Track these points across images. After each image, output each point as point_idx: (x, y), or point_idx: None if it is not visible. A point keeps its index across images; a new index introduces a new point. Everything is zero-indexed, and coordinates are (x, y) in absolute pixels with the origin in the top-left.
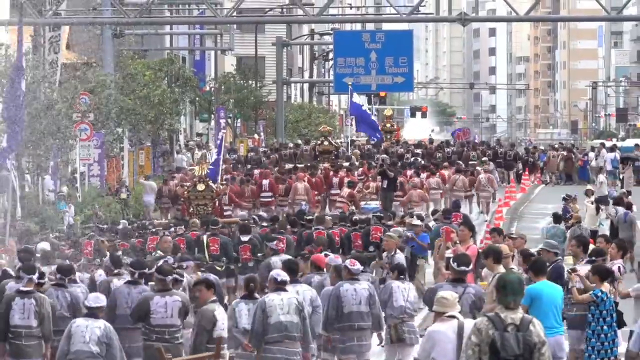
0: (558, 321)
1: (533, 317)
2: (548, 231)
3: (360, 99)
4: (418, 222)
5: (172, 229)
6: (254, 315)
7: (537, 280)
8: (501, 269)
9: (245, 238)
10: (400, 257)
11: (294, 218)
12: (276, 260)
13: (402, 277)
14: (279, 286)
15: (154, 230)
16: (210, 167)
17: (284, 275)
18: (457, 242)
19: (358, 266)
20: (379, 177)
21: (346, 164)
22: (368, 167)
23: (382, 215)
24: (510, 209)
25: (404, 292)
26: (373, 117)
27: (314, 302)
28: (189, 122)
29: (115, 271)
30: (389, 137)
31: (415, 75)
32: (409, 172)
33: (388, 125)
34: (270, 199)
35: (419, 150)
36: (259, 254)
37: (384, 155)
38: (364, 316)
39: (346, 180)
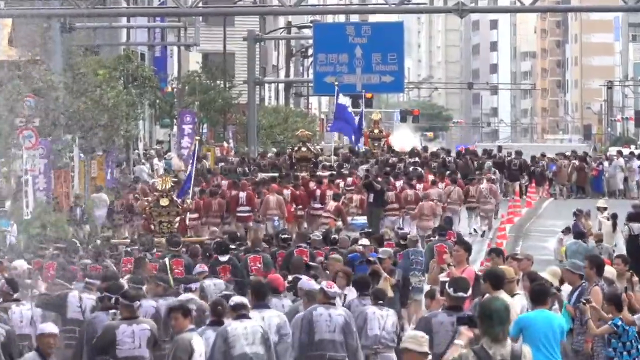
0: (554, 355)
1: (524, 347)
2: (569, 248)
3: (346, 100)
4: (367, 243)
5: (131, 249)
6: (213, 345)
7: (536, 309)
8: (502, 295)
9: (223, 258)
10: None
11: (268, 237)
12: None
13: (380, 302)
14: (239, 312)
15: (128, 250)
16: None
17: (241, 300)
18: (451, 263)
19: (335, 289)
20: (364, 190)
21: (326, 173)
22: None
23: (371, 232)
24: (515, 226)
25: (380, 319)
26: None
27: (281, 330)
28: (148, 128)
29: (14, 296)
30: (376, 144)
31: (406, 74)
32: (397, 183)
33: (376, 131)
34: (247, 214)
35: (415, 159)
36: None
37: (366, 166)
38: (338, 346)
39: (328, 192)
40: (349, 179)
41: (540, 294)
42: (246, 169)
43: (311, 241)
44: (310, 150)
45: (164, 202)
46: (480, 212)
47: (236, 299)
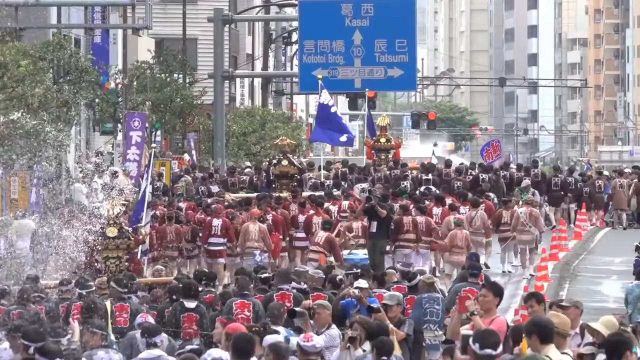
0: None
1: None
2: (631, 292)
3: (328, 98)
4: (365, 285)
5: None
6: None
7: None
8: (552, 352)
9: (190, 304)
10: (333, 333)
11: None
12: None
13: (384, 358)
14: None
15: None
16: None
17: (219, 355)
18: (476, 312)
19: (314, 342)
20: (363, 216)
21: (317, 193)
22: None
23: (363, 272)
24: (559, 264)
25: None
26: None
27: None
28: (84, 135)
29: None
30: (383, 157)
31: (419, 67)
32: (409, 205)
33: (382, 140)
34: (220, 247)
35: (429, 176)
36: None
37: (364, 184)
38: None
39: (316, 219)
40: (345, 202)
41: (619, 345)
42: (209, 187)
43: (308, 279)
44: (293, 165)
45: (112, 232)
46: (518, 244)
47: (210, 354)
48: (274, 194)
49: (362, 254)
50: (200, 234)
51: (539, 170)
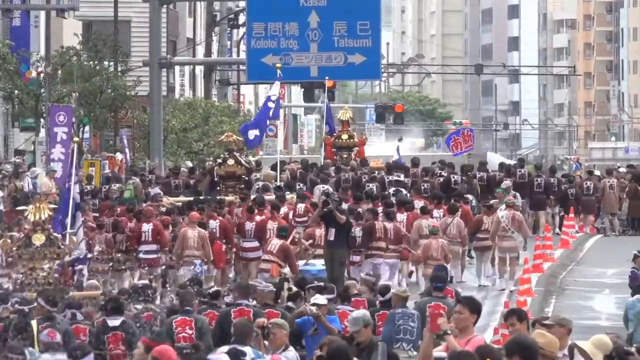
0: None
1: None
2: (632, 307)
3: (276, 90)
4: (323, 302)
5: None
6: None
7: None
8: None
9: (114, 322)
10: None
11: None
12: None
13: None
14: None
15: None
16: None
17: None
18: (450, 331)
19: None
20: (321, 222)
21: (268, 197)
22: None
23: (323, 286)
24: (544, 276)
25: None
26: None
27: None
28: (2, 131)
29: None
30: (345, 155)
31: (384, 53)
32: (378, 210)
33: (344, 136)
34: (153, 256)
35: (399, 176)
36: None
37: (325, 186)
38: None
39: (272, 224)
40: (301, 205)
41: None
42: (147, 190)
43: (257, 294)
44: (240, 164)
45: (38, 239)
46: (498, 252)
47: None
48: (218, 197)
49: (320, 264)
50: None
51: (525, 170)
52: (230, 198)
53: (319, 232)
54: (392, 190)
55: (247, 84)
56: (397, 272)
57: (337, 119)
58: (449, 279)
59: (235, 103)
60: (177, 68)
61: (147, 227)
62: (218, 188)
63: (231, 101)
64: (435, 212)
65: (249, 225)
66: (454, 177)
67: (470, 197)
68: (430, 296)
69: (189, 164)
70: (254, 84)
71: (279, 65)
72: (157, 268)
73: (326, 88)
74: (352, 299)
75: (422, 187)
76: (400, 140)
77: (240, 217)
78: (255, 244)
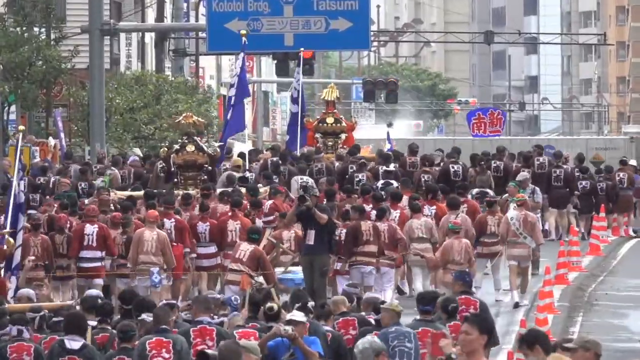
0: None
1: None
2: None
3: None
4: (300, 319)
5: None
6: None
7: None
8: None
9: (74, 344)
10: None
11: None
12: None
13: None
14: None
15: None
16: None
17: None
18: (454, 355)
19: None
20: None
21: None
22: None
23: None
24: (569, 290)
25: None
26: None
27: None
28: None
29: None
30: (331, 143)
31: (374, 17)
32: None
33: (330, 120)
34: (97, 264)
35: (390, 167)
36: None
37: (304, 178)
38: None
39: (232, 224)
40: (269, 203)
41: None
42: (91, 182)
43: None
44: (202, 151)
45: None
46: (508, 259)
47: None
48: (175, 191)
49: (299, 273)
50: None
51: (545, 159)
52: (190, 192)
53: (287, 234)
54: (380, 183)
55: (207, 55)
56: (391, 283)
57: (320, 98)
58: (472, 287)
59: (193, 78)
60: (122, 36)
61: (91, 230)
62: (175, 180)
63: (188, 75)
64: (427, 209)
65: (203, 227)
66: (453, 167)
67: (490, 192)
68: (418, 320)
69: (137, 151)
70: (216, 55)
71: (244, 32)
72: (99, 279)
73: (301, 60)
74: (340, 319)
75: (422, 179)
76: (390, 125)
77: (192, 217)
78: (212, 249)
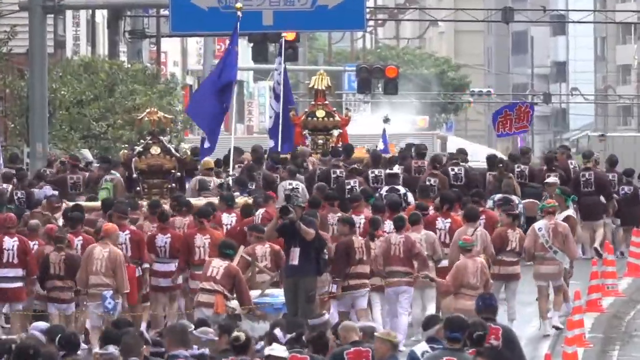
0: None
1: None
2: None
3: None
4: (282, 354)
5: None
6: None
7: None
8: None
9: None
10: None
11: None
12: None
13: None
14: None
15: None
16: None
17: None
18: None
19: None
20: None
21: (212, 200)
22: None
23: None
24: (603, 318)
25: None
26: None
27: None
28: None
29: None
30: (321, 141)
31: None
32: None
33: (320, 114)
34: (16, 284)
35: (395, 169)
36: None
37: (293, 183)
38: None
39: (201, 239)
40: (260, 212)
41: None
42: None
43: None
44: (169, 154)
45: None
46: (535, 279)
47: None
48: (139, 202)
49: (279, 296)
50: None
51: (576, 163)
52: (158, 201)
53: (261, 249)
54: (384, 189)
55: (170, 37)
56: (408, 308)
57: (307, 87)
58: (496, 312)
59: (154, 65)
60: (68, 14)
61: (9, 244)
62: (138, 188)
63: (147, 62)
64: (440, 222)
65: (161, 240)
66: (454, 170)
67: (515, 199)
68: (443, 349)
69: (86, 152)
70: (181, 37)
71: (239, 5)
72: (18, 303)
73: (283, 43)
74: (351, 349)
75: (429, 184)
76: (386, 121)
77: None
78: (171, 266)
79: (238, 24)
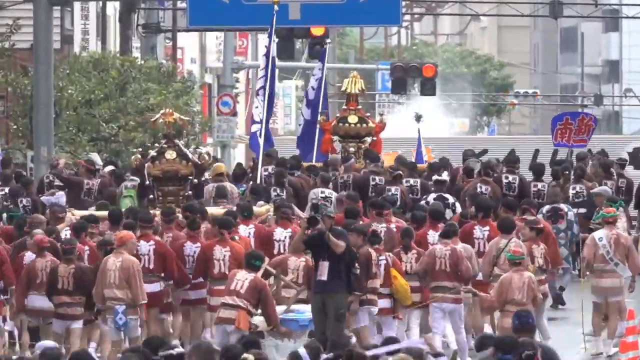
0: None
1: None
2: None
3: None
4: None
5: None
6: None
7: None
8: None
9: None
10: None
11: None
12: None
13: None
14: None
15: None
16: None
17: None
18: None
19: None
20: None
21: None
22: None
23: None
24: None
25: None
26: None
27: None
28: None
29: None
30: (352, 148)
31: None
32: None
33: (353, 118)
34: None
35: (444, 175)
36: None
37: (325, 192)
38: None
39: (219, 251)
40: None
41: None
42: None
43: None
44: (186, 159)
45: None
46: (594, 293)
47: None
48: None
49: (306, 312)
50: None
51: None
52: (174, 210)
53: (295, 263)
54: (431, 197)
55: (187, 32)
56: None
57: (339, 90)
58: (534, 331)
59: (169, 61)
60: (77, 6)
61: None
62: (151, 196)
63: (162, 58)
64: (478, 231)
65: (191, 249)
66: (507, 178)
67: (565, 207)
68: None
69: (95, 156)
70: (199, 32)
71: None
72: None
73: (311, 39)
74: None
75: (480, 191)
76: (418, 119)
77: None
78: (200, 278)
79: (274, 19)
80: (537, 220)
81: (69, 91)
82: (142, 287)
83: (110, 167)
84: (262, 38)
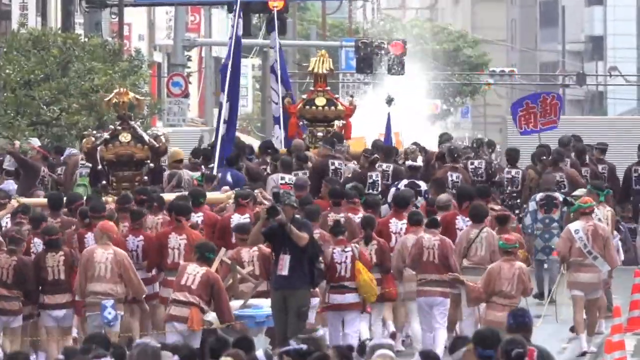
0: None
1: None
2: None
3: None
4: None
5: None
6: None
7: None
8: None
9: None
10: None
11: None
12: None
13: None
14: None
15: None
16: None
17: None
18: None
19: None
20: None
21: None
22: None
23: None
24: None
25: None
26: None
27: None
28: None
29: None
30: (321, 133)
31: None
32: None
33: (320, 101)
34: None
35: (419, 161)
36: None
37: (286, 178)
38: None
39: (177, 240)
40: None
41: None
42: None
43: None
44: (141, 141)
45: None
46: (570, 288)
47: None
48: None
49: (264, 307)
50: None
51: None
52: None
53: (248, 254)
54: (402, 184)
55: (135, 6)
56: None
57: (305, 69)
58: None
59: (115, 39)
60: None
61: None
62: (104, 182)
63: (108, 36)
64: (460, 221)
65: (132, 243)
66: (473, 164)
67: (558, 195)
68: None
69: (35, 142)
70: (147, 6)
71: None
72: None
73: (273, 14)
74: None
75: (450, 179)
76: (390, 102)
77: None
78: (147, 274)
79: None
80: (504, 209)
81: (7, 71)
82: (139, 282)
83: (72, 150)
84: (216, 13)
